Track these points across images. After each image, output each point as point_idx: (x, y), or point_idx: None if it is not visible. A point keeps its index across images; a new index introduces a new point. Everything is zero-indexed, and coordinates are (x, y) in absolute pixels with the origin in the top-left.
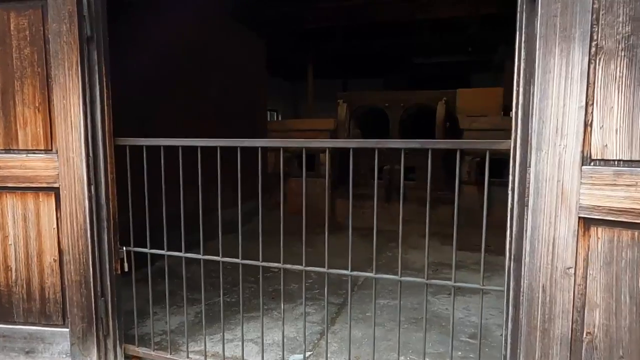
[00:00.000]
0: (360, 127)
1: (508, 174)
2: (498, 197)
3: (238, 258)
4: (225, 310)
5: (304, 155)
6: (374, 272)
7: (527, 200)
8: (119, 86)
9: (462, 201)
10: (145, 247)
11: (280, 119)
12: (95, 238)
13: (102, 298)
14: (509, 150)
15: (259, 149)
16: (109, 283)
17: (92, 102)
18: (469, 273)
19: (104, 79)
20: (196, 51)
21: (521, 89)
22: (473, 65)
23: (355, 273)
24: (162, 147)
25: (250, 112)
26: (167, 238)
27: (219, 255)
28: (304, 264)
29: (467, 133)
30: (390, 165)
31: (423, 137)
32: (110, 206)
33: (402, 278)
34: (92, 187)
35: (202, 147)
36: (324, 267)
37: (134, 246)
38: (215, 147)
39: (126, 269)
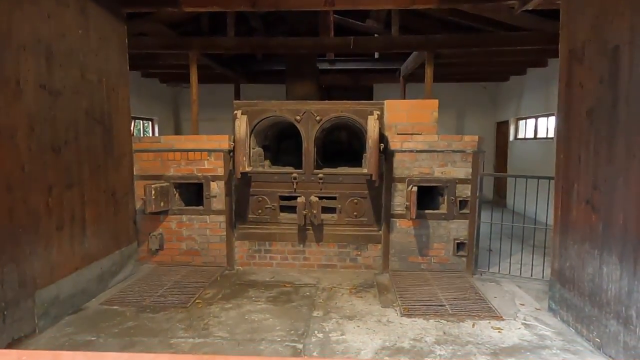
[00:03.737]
0: (263, 145)
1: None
2: (435, 232)
3: None
4: None
5: None
6: None
7: None
8: None
9: (396, 238)
10: None
11: (157, 129)
12: None
13: None
14: None
15: None
16: None
17: None
18: None
19: None
20: None
21: None
22: (383, 74)
23: None
24: None
25: (103, 125)
26: None
27: None
28: None
29: (398, 155)
30: (306, 197)
31: (346, 159)
32: None
33: None
34: None
35: None
36: None
37: None
38: None
39: None
